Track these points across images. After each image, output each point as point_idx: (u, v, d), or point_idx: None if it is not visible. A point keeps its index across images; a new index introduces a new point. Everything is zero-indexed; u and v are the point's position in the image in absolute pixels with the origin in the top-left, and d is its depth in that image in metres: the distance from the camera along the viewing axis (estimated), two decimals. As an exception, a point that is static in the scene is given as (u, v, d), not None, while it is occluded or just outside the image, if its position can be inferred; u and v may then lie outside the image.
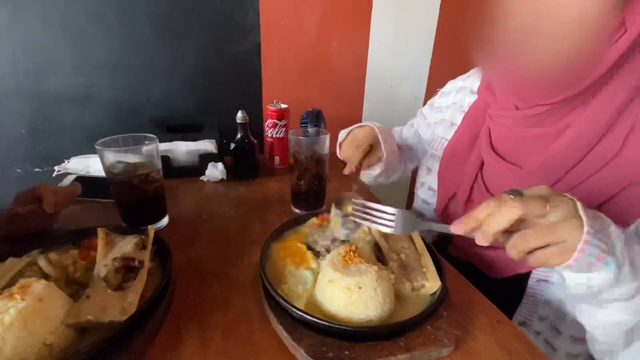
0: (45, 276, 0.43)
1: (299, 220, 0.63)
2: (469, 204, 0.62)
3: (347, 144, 0.73)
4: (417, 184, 0.79)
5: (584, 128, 0.49)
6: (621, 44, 0.42)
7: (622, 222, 0.46)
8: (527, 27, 0.44)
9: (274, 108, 0.98)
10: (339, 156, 0.75)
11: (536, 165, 0.52)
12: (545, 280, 0.52)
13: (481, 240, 0.37)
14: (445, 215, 0.68)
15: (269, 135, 1.01)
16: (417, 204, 0.77)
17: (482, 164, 0.61)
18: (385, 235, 0.55)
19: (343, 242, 0.55)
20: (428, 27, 1.25)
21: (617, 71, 0.46)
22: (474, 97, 0.68)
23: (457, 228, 0.39)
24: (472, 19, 0.48)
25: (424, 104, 1.39)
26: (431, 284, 0.47)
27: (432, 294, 0.48)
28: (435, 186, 0.72)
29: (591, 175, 0.48)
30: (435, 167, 0.72)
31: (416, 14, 1.22)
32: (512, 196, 0.35)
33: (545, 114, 0.51)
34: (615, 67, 0.45)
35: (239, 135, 0.92)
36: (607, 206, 0.48)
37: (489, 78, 0.61)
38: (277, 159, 1.03)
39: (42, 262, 0.44)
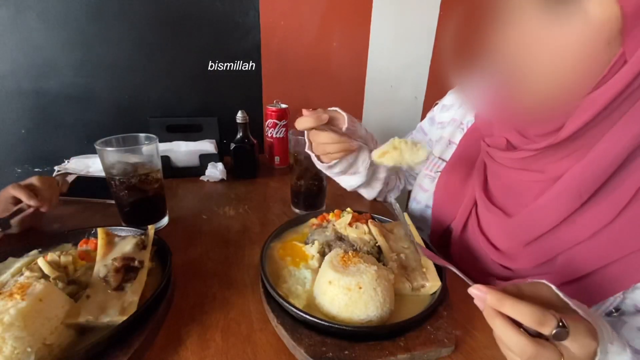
0: (45, 276, 0.43)
1: (299, 220, 0.62)
2: (464, 234, 0.60)
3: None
4: (412, 199, 0.75)
5: (573, 181, 0.44)
6: (614, 83, 0.37)
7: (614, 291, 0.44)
8: (513, 66, 0.41)
9: (274, 108, 0.98)
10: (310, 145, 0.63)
11: (523, 215, 0.49)
12: None
13: (478, 300, 0.35)
14: (442, 242, 0.65)
15: (269, 135, 1.01)
16: (414, 215, 0.73)
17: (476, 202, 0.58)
18: (385, 235, 0.55)
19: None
20: (428, 27, 1.25)
21: (619, 118, 0.40)
22: None
23: (475, 293, 0.35)
24: (463, 53, 0.46)
25: (424, 104, 1.39)
26: (431, 284, 0.47)
27: (432, 294, 0.48)
28: (431, 204, 0.68)
29: (585, 240, 0.45)
30: (429, 186, 0.69)
31: (416, 14, 1.22)
32: (555, 330, 0.30)
33: (532, 158, 0.48)
34: (615, 111, 0.39)
35: (239, 135, 0.92)
36: (597, 276, 0.44)
37: (477, 110, 0.58)
38: (277, 159, 1.03)
39: (41, 262, 0.43)
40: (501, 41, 0.42)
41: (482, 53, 0.43)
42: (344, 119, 0.60)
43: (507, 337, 0.32)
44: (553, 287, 0.34)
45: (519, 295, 0.33)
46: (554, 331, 0.30)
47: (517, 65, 0.42)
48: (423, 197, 0.71)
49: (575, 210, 0.45)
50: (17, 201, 0.57)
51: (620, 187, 0.43)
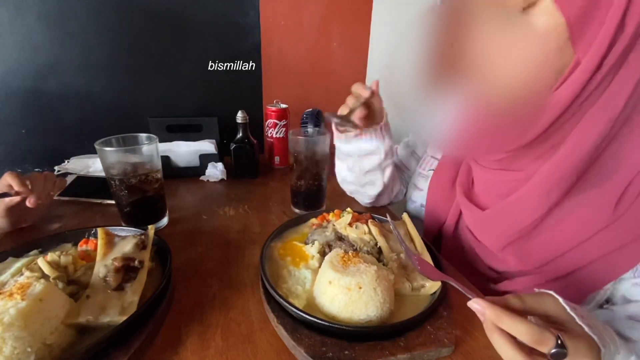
0: (45, 276, 0.43)
1: (299, 220, 0.62)
2: (456, 234, 0.61)
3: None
4: (408, 198, 0.76)
5: (541, 180, 0.45)
6: (570, 84, 0.39)
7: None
8: (480, 75, 0.44)
9: (274, 108, 0.98)
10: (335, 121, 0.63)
11: (496, 209, 0.51)
12: None
13: (478, 313, 0.35)
14: (435, 242, 0.66)
15: (269, 135, 1.01)
16: (410, 215, 0.72)
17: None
18: (385, 235, 0.55)
19: None
20: (428, 27, 1.25)
21: (582, 118, 0.41)
22: None
23: (475, 305, 0.35)
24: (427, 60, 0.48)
25: (424, 104, 1.38)
26: (431, 284, 0.47)
27: (432, 294, 0.47)
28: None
29: (573, 247, 0.45)
30: (424, 185, 0.70)
31: (416, 14, 1.22)
32: (554, 350, 0.30)
33: (507, 160, 0.50)
34: (578, 111, 0.41)
35: (239, 135, 0.92)
36: (584, 271, 0.46)
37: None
38: (277, 159, 1.03)
39: (41, 262, 0.43)
40: (468, 53, 0.44)
41: (453, 66, 0.46)
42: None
43: (504, 352, 0.32)
44: (560, 299, 0.34)
45: (521, 308, 0.33)
46: (552, 351, 0.30)
47: (483, 73, 0.44)
48: (418, 196, 0.71)
49: (551, 211, 0.46)
50: (13, 189, 0.59)
51: (602, 187, 0.44)
